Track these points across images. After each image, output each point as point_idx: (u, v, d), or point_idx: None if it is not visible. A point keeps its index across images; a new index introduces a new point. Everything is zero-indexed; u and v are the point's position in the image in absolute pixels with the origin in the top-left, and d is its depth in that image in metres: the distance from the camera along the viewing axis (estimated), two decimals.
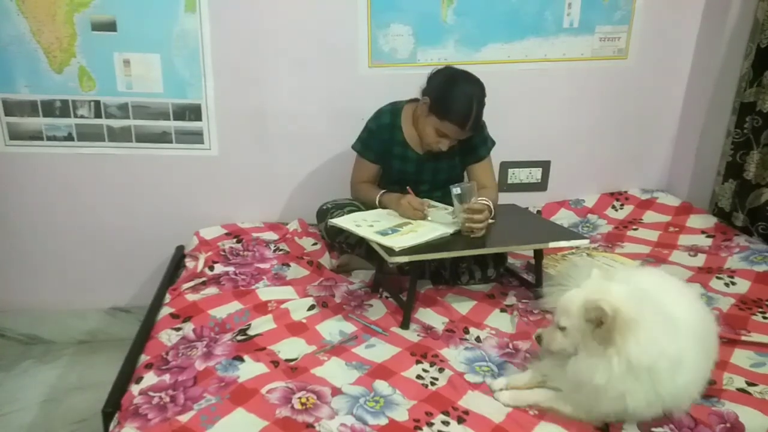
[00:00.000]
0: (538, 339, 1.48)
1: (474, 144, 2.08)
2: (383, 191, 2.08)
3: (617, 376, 1.29)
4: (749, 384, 1.52)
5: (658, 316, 1.34)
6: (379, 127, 2.11)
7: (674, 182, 2.71)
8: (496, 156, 2.31)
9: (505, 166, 2.58)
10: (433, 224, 1.89)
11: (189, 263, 2.15)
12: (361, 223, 1.91)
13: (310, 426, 1.35)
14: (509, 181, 2.62)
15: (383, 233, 1.82)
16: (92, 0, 2.16)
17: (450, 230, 1.84)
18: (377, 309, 1.91)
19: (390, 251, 1.71)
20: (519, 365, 1.62)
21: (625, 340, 1.28)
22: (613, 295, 1.32)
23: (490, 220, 1.95)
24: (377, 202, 2.08)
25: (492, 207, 1.93)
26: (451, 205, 2.07)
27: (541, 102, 2.53)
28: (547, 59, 2.45)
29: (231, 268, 2.06)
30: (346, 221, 1.94)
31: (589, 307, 1.31)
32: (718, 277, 2.02)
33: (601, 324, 1.30)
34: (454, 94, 1.89)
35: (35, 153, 2.32)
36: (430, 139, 1.98)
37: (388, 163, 2.15)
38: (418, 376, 1.56)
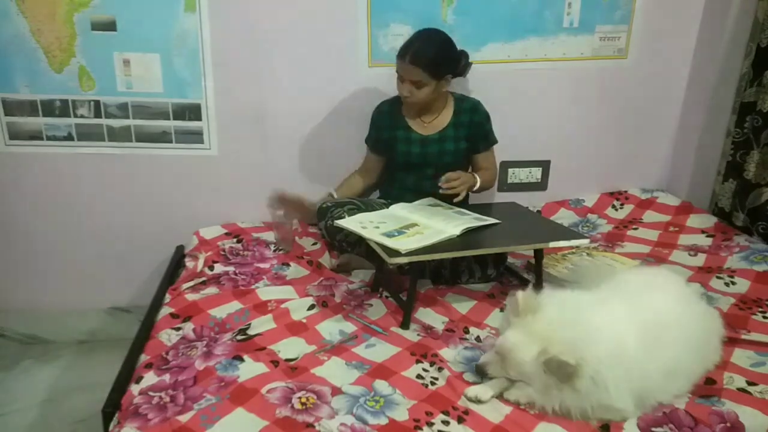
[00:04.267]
0: (482, 371, 1.50)
1: (485, 131, 2.20)
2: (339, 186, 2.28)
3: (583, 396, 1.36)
4: (749, 383, 1.51)
5: (584, 325, 1.40)
6: (380, 114, 2.20)
7: (674, 182, 2.71)
8: (497, 156, 2.31)
9: (505, 165, 2.58)
10: (439, 226, 1.87)
11: (189, 263, 2.15)
12: (367, 225, 1.90)
13: (310, 426, 1.35)
14: (509, 181, 2.62)
15: (389, 235, 1.81)
16: (92, 0, 2.16)
17: (456, 231, 1.83)
18: (377, 309, 1.90)
19: (396, 253, 1.71)
20: None
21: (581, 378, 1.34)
22: (557, 340, 1.36)
23: (495, 219, 1.97)
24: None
25: (478, 180, 2.12)
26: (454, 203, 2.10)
27: (541, 102, 2.53)
28: (547, 59, 2.45)
29: (231, 268, 2.07)
30: (351, 223, 1.93)
31: (551, 363, 1.34)
32: (718, 277, 2.02)
33: (561, 373, 1.34)
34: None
35: (35, 153, 2.32)
36: (399, 90, 2.07)
37: (394, 147, 2.20)
38: (418, 376, 1.56)
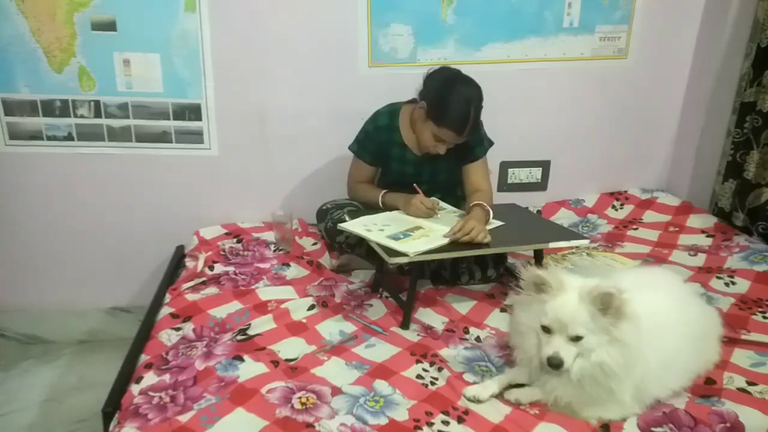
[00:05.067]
0: (555, 364, 1.36)
1: (470, 144, 2.05)
2: (385, 191, 2.08)
3: (636, 344, 1.34)
4: (749, 383, 1.52)
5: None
6: (376, 129, 2.11)
7: (674, 182, 2.71)
8: (497, 156, 2.31)
9: (505, 166, 2.58)
10: (444, 228, 1.85)
11: (189, 263, 2.15)
12: (371, 228, 1.89)
13: (310, 426, 1.35)
14: (509, 181, 2.62)
15: (395, 238, 1.81)
16: (92, 0, 2.16)
17: None
18: (377, 309, 1.91)
19: (399, 254, 1.71)
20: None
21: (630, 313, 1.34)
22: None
23: (498, 222, 1.96)
24: (380, 203, 2.07)
25: (490, 210, 1.94)
26: (451, 204, 2.11)
27: (541, 102, 2.53)
28: (547, 59, 2.45)
29: (231, 268, 2.06)
30: (356, 226, 1.91)
31: (597, 295, 1.32)
32: (718, 277, 2.02)
33: (609, 307, 1.32)
34: (451, 99, 1.87)
35: (35, 153, 2.32)
36: (427, 143, 1.98)
37: (387, 164, 2.16)
38: (418, 376, 1.56)
